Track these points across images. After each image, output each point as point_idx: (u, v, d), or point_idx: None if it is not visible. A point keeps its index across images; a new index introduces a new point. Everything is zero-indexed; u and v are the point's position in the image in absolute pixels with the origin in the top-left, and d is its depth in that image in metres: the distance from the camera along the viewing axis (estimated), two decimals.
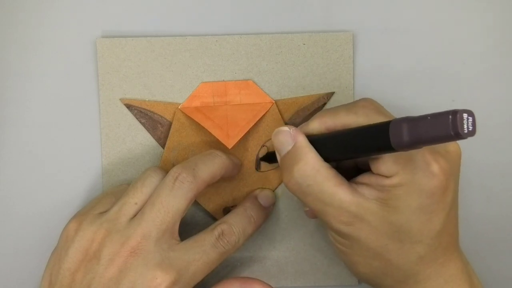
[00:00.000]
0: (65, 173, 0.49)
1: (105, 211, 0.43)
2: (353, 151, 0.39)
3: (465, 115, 0.33)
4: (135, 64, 0.48)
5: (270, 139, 0.48)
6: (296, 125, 0.48)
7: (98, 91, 0.48)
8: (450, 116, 0.33)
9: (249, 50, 0.48)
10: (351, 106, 0.42)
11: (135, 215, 0.43)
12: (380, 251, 0.40)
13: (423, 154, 0.39)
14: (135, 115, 0.48)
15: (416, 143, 0.35)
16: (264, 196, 0.48)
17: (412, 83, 0.49)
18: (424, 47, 0.49)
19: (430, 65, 0.49)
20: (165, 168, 0.46)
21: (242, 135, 0.47)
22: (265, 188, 0.49)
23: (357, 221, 0.40)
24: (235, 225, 0.44)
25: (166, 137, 0.48)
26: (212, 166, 0.44)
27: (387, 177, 0.39)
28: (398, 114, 0.48)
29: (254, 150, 0.48)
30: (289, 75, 0.48)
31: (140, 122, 0.48)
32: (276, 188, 0.49)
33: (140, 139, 0.49)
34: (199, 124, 0.47)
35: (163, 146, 0.48)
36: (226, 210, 0.48)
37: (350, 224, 0.40)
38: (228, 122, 0.47)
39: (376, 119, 0.39)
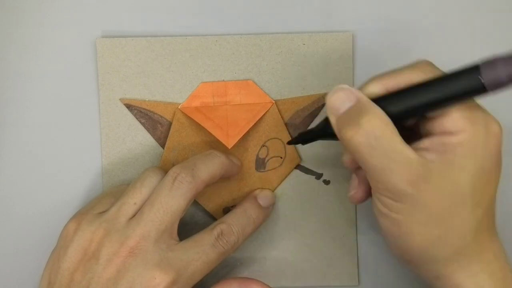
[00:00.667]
0: (65, 173, 0.49)
1: (104, 211, 0.43)
2: (431, 104, 0.38)
3: None
4: (135, 64, 0.48)
5: (270, 139, 0.48)
6: (296, 125, 0.48)
7: (98, 91, 0.48)
8: None
9: (249, 50, 0.48)
10: (414, 65, 0.40)
11: (134, 215, 0.43)
12: (443, 216, 0.39)
13: (484, 113, 0.39)
14: (135, 115, 0.48)
15: None
16: (263, 197, 0.48)
17: None
18: (423, 47, 0.49)
19: None
20: (165, 168, 0.46)
21: (242, 135, 0.47)
22: (264, 188, 0.49)
23: (422, 181, 0.38)
24: (235, 225, 0.44)
25: (166, 137, 0.48)
26: (211, 166, 0.44)
27: (452, 134, 0.38)
28: None
29: (254, 150, 0.48)
30: (289, 75, 0.48)
31: (140, 122, 0.48)
32: (275, 189, 0.49)
33: (140, 139, 0.49)
34: (199, 124, 0.48)
35: (163, 146, 0.48)
36: (226, 210, 0.48)
37: (415, 184, 0.38)
38: (228, 122, 0.47)
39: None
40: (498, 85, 0.36)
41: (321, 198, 0.49)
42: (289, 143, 0.47)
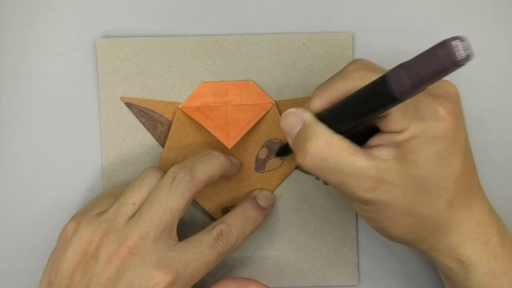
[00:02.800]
0: (65, 173, 0.49)
1: (104, 212, 0.43)
2: (360, 116, 0.39)
3: (455, 42, 0.32)
4: (135, 64, 0.48)
5: (270, 140, 0.48)
6: None
7: (98, 91, 0.48)
8: (441, 49, 0.32)
9: (249, 50, 0.48)
10: (344, 73, 0.41)
11: (133, 215, 0.43)
12: (409, 208, 0.40)
13: (427, 101, 0.39)
14: (135, 114, 0.48)
15: (418, 84, 0.34)
16: (263, 197, 0.48)
17: None
18: (423, 47, 0.49)
19: None
20: (164, 167, 0.46)
21: (242, 135, 0.47)
22: (264, 188, 0.49)
23: (380, 184, 0.39)
24: (234, 226, 0.44)
25: (166, 136, 0.48)
26: (210, 166, 0.44)
27: (399, 132, 0.39)
28: None
29: (254, 151, 0.48)
30: (289, 76, 0.48)
31: (140, 121, 0.48)
32: (275, 189, 0.49)
33: (140, 139, 0.49)
34: (199, 124, 0.48)
35: (163, 145, 0.48)
36: (225, 210, 0.48)
37: (374, 189, 0.39)
38: (228, 122, 0.47)
39: (372, 77, 0.38)
40: (406, 94, 0.35)
41: (321, 198, 0.49)
42: (276, 155, 0.48)
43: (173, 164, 0.45)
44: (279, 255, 0.49)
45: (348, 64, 0.42)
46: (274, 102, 0.48)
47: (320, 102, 0.41)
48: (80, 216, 0.44)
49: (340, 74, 0.41)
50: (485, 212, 0.42)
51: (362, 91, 0.38)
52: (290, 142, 0.42)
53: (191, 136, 0.48)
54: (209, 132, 0.47)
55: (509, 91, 0.50)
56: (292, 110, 0.41)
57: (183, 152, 0.48)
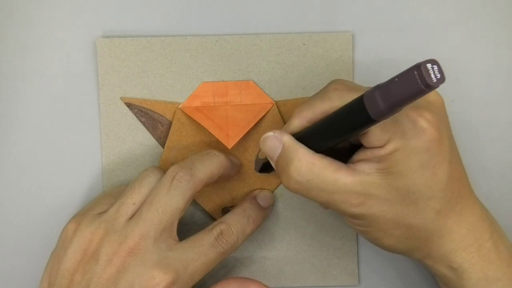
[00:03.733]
0: (65, 173, 0.49)
1: (104, 212, 0.43)
2: (339, 135, 0.39)
3: (429, 66, 0.33)
4: (135, 64, 0.48)
5: None
6: None
7: (98, 91, 0.48)
8: (415, 71, 0.33)
9: (249, 50, 0.48)
10: (323, 92, 0.41)
11: (133, 215, 0.43)
12: (398, 219, 0.40)
13: (407, 113, 0.39)
14: (135, 114, 0.48)
15: (393, 107, 0.35)
16: (263, 197, 0.48)
17: None
18: (423, 47, 0.49)
19: None
20: (164, 167, 0.46)
21: (242, 136, 0.47)
22: (264, 188, 0.49)
23: (366, 199, 0.40)
24: (234, 225, 0.44)
25: (166, 136, 0.48)
26: (210, 165, 0.44)
27: (380, 147, 0.39)
28: None
29: (254, 151, 0.48)
30: (289, 75, 0.48)
31: (140, 121, 0.48)
32: (275, 189, 0.49)
33: (140, 139, 0.49)
34: (199, 124, 0.48)
35: (163, 145, 0.48)
36: (225, 210, 0.48)
37: (361, 205, 0.40)
38: (228, 122, 0.47)
39: (349, 98, 0.39)
40: (382, 115, 0.35)
41: None
42: (260, 171, 0.48)
43: (173, 164, 0.45)
44: (279, 255, 0.49)
45: (328, 84, 0.42)
46: (274, 102, 0.48)
47: (300, 121, 0.41)
48: (81, 216, 0.44)
49: (319, 94, 0.42)
50: (477, 218, 0.42)
51: (339, 111, 0.39)
52: (273, 165, 0.42)
53: (191, 136, 0.48)
54: (209, 132, 0.47)
55: (497, 95, 0.49)
56: (270, 133, 0.41)
57: (183, 152, 0.48)
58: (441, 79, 0.33)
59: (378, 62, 0.49)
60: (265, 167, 0.47)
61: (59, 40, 0.48)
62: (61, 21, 0.48)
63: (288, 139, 0.41)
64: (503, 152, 0.50)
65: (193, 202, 0.48)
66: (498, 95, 0.50)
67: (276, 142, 0.41)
